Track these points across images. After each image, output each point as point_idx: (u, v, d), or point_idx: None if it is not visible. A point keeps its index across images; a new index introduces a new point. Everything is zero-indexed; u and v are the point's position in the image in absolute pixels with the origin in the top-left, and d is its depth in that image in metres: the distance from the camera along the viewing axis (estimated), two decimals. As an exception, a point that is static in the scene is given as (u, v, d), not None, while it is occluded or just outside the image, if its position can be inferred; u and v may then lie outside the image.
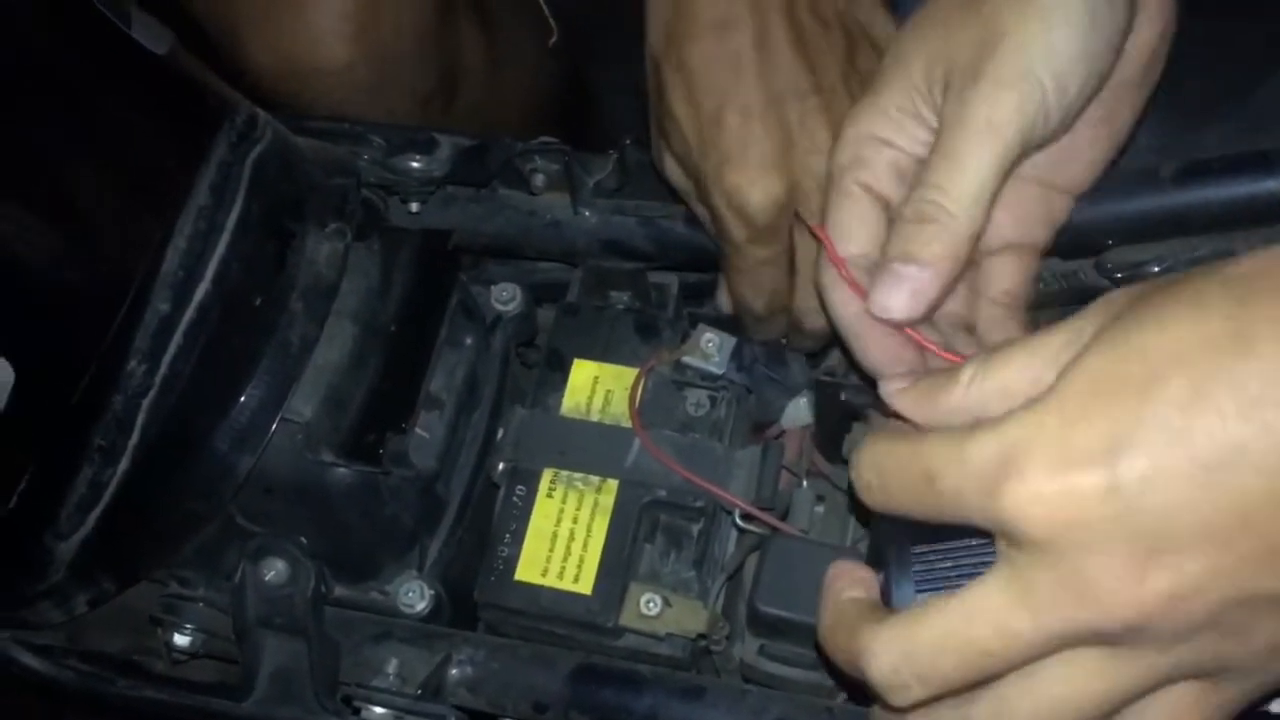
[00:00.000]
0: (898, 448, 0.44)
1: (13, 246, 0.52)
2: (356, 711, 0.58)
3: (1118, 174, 0.58)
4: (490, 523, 0.61)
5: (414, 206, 0.70)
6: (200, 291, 0.56)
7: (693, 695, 0.57)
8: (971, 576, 0.43)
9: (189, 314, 0.56)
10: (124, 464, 0.56)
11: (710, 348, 0.62)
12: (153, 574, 0.62)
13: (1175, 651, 0.41)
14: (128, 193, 0.56)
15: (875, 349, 0.53)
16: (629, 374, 0.62)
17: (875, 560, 0.49)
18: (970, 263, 0.53)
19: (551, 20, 1.09)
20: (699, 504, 0.59)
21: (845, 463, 0.60)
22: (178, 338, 0.55)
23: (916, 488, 0.43)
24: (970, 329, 0.56)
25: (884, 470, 0.45)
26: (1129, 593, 0.39)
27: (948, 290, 0.52)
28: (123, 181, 0.56)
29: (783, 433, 0.63)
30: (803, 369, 0.63)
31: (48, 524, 0.56)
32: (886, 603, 0.46)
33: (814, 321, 0.63)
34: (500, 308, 0.67)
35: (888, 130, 0.54)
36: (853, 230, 0.54)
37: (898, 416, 0.47)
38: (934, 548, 0.45)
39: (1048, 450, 0.40)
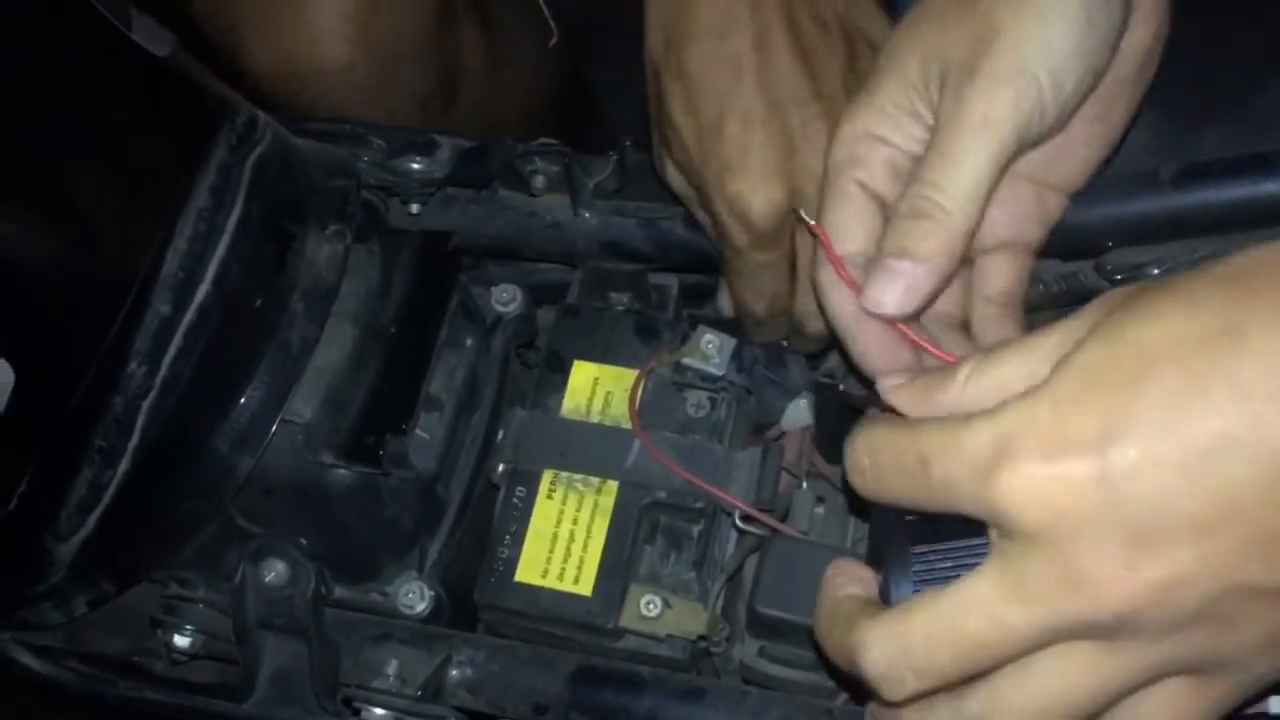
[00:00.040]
0: (893, 433, 0.44)
1: (13, 248, 0.52)
2: (356, 713, 0.58)
3: (1117, 176, 0.58)
4: (490, 524, 0.61)
5: (414, 208, 0.70)
6: (200, 293, 0.56)
7: (693, 697, 0.57)
8: None
9: (189, 316, 0.56)
10: (124, 465, 0.56)
11: (710, 349, 0.62)
12: (153, 575, 0.62)
13: (1167, 643, 0.41)
14: (128, 194, 0.56)
15: (872, 349, 0.53)
16: (629, 375, 0.62)
17: (874, 560, 0.49)
18: (965, 260, 0.53)
19: (551, 21, 1.09)
20: (699, 505, 0.59)
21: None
22: (178, 339, 0.55)
23: (909, 473, 0.43)
24: (965, 328, 0.56)
25: (878, 454, 0.45)
26: (1120, 583, 0.39)
27: (942, 286, 0.52)
28: (123, 183, 0.56)
29: (783, 434, 0.63)
30: (802, 370, 0.63)
31: (48, 525, 0.56)
32: (885, 602, 0.46)
33: (815, 324, 0.63)
34: (500, 309, 0.67)
35: (884, 128, 0.54)
36: (849, 228, 0.54)
37: (895, 413, 0.47)
38: (933, 547, 0.45)
39: (1040, 438, 0.40)
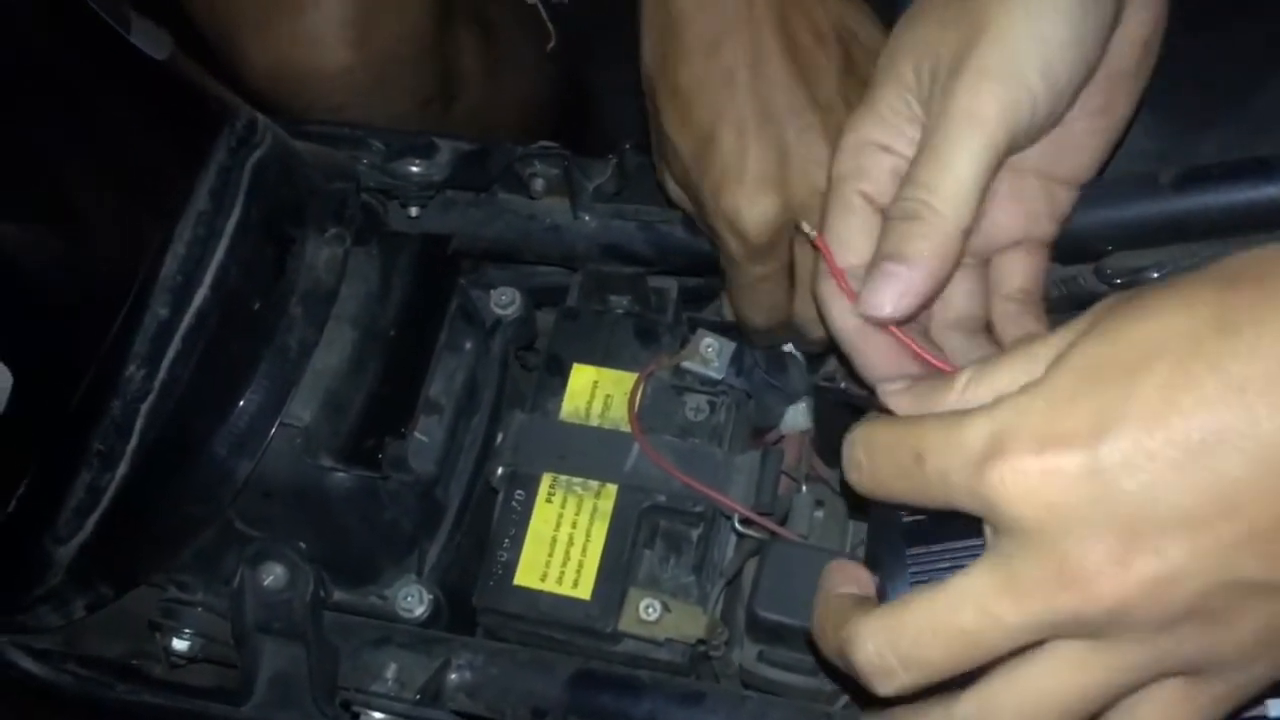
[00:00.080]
0: (890, 429, 0.45)
1: (13, 250, 0.52)
2: (355, 716, 0.58)
3: (1117, 180, 0.58)
4: (489, 527, 0.61)
5: (413, 211, 0.70)
6: (199, 296, 0.56)
7: (692, 700, 0.57)
8: None
9: (188, 319, 0.56)
10: (122, 468, 0.56)
11: (710, 353, 0.62)
12: (151, 578, 0.62)
13: (1160, 641, 0.41)
14: (127, 197, 0.56)
15: (874, 360, 0.53)
16: (628, 379, 0.62)
17: (871, 562, 0.49)
18: (963, 259, 0.53)
19: (550, 25, 1.09)
20: (698, 509, 0.59)
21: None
22: (176, 342, 0.55)
23: (905, 468, 0.43)
24: (988, 329, 0.56)
25: (875, 449, 0.45)
26: (1111, 578, 0.39)
27: (939, 287, 0.52)
28: (122, 186, 0.56)
29: (782, 438, 0.63)
30: (802, 374, 0.63)
31: (46, 528, 0.56)
32: (882, 601, 0.46)
33: (816, 332, 0.63)
34: (500, 312, 0.67)
35: (886, 135, 0.53)
36: (852, 240, 0.53)
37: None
38: (929, 549, 0.45)
39: (1033, 432, 0.40)
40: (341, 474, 0.59)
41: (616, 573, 0.58)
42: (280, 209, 0.60)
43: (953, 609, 0.42)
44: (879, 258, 0.52)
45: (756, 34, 0.59)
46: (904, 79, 0.53)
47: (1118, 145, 0.57)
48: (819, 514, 0.62)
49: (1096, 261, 0.60)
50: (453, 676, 0.59)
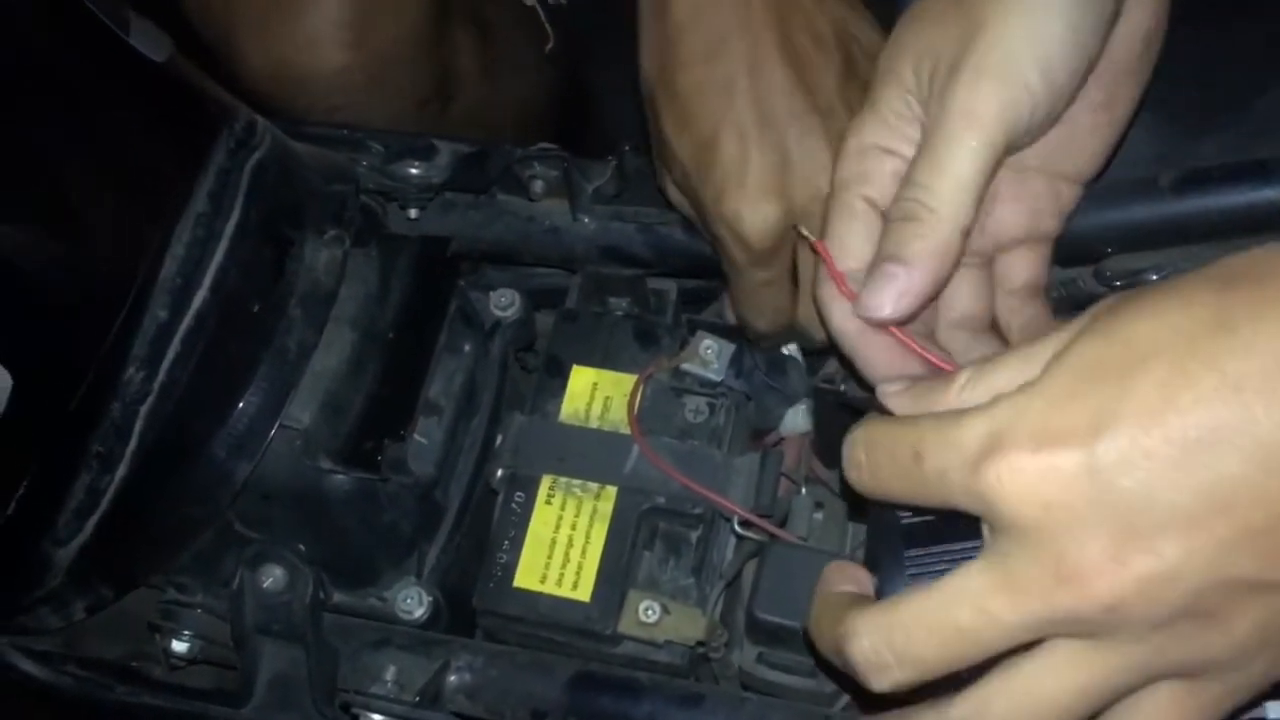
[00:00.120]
0: (889, 428, 0.45)
1: (12, 252, 0.52)
2: (355, 718, 0.58)
3: (1117, 182, 0.58)
4: (489, 529, 0.61)
5: (413, 213, 0.70)
6: (198, 298, 0.56)
7: (691, 703, 0.57)
8: None
9: (187, 321, 0.56)
10: (122, 470, 0.56)
11: (709, 354, 0.62)
12: (151, 580, 0.62)
13: (1154, 641, 0.41)
14: (126, 199, 0.56)
15: (877, 361, 0.53)
16: (628, 380, 0.62)
17: (870, 564, 0.49)
18: (966, 258, 0.53)
19: (548, 27, 1.09)
20: (698, 511, 0.59)
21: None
22: (175, 344, 0.55)
23: (904, 466, 0.43)
24: (994, 328, 0.56)
25: (874, 448, 0.45)
26: (1107, 575, 0.39)
27: (938, 287, 0.52)
28: (121, 188, 0.56)
29: (781, 440, 0.63)
30: (802, 376, 0.63)
31: (46, 530, 0.56)
32: None
33: (819, 335, 0.63)
34: (499, 313, 0.67)
35: (888, 138, 0.53)
36: (854, 245, 0.53)
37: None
38: (928, 550, 0.45)
39: (1030, 430, 0.40)
40: (341, 476, 0.59)
41: (616, 575, 0.58)
42: (279, 211, 0.60)
43: (949, 606, 0.42)
44: (878, 259, 0.52)
45: (755, 39, 0.59)
46: (904, 80, 0.53)
47: (1120, 143, 0.57)
48: (818, 516, 0.62)
49: (1096, 264, 0.60)
50: (452, 678, 0.59)
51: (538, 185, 0.68)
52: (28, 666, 0.63)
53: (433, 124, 1.00)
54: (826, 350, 0.65)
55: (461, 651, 0.60)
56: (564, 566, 0.59)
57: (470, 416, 0.65)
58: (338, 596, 0.62)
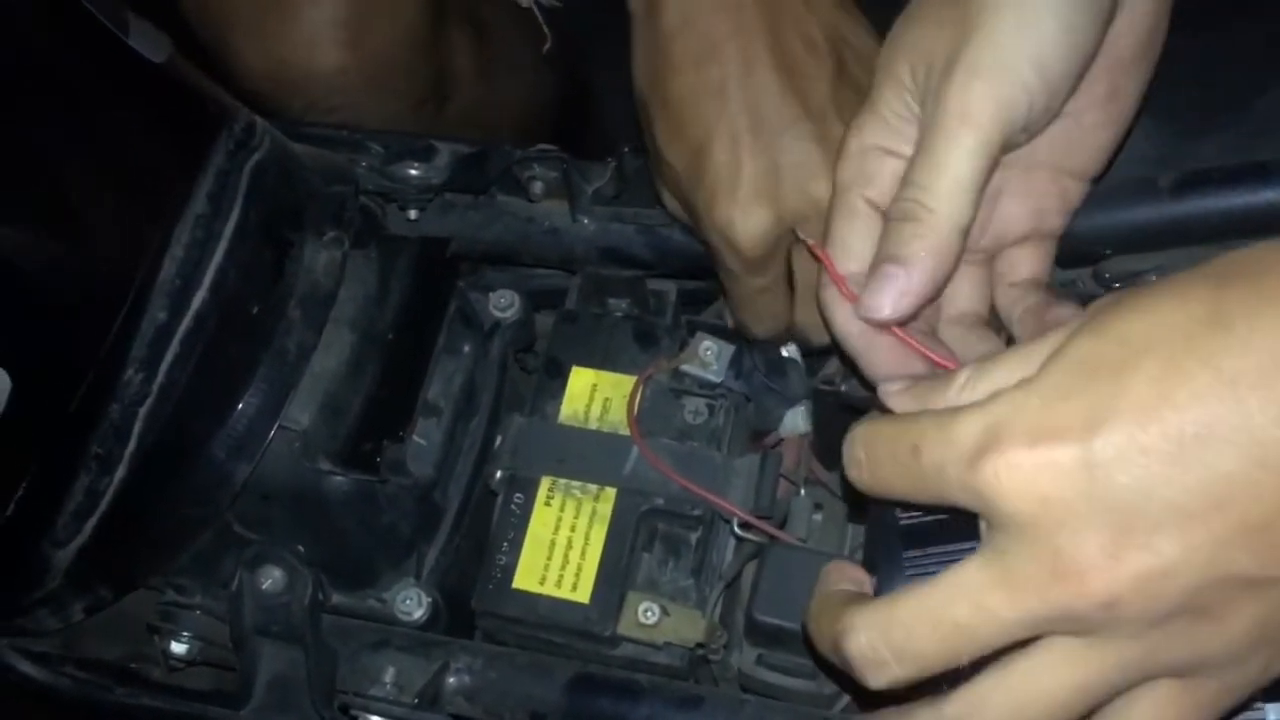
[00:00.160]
0: (888, 425, 0.45)
1: (11, 253, 0.52)
2: (353, 720, 0.58)
3: (1116, 184, 0.58)
4: (488, 530, 0.61)
5: (412, 214, 0.70)
6: (198, 299, 0.56)
7: (690, 704, 0.57)
8: None
9: (186, 322, 0.56)
10: (121, 472, 0.55)
11: (709, 356, 0.62)
12: (150, 582, 0.62)
13: (1151, 638, 0.41)
14: (125, 200, 0.56)
15: (880, 362, 0.53)
16: (627, 382, 0.62)
17: (869, 565, 0.49)
18: (967, 255, 0.53)
19: (545, 28, 1.09)
20: (697, 512, 0.59)
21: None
22: (175, 346, 0.55)
23: (902, 462, 0.43)
24: (996, 326, 0.56)
25: (873, 445, 0.45)
26: (1103, 571, 0.39)
27: (939, 287, 0.52)
28: (120, 189, 0.56)
29: (781, 441, 0.63)
30: (801, 377, 0.63)
31: (45, 532, 0.56)
32: None
33: (819, 337, 0.63)
34: (498, 314, 0.67)
35: (888, 139, 0.53)
36: (856, 247, 0.53)
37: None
38: (926, 551, 0.45)
39: (1026, 426, 0.40)
40: (340, 477, 0.59)
41: (615, 576, 0.58)
42: (279, 212, 0.60)
43: (947, 602, 0.42)
44: (878, 260, 0.52)
45: (747, 44, 0.59)
46: (902, 80, 0.53)
47: (1126, 136, 0.57)
48: (818, 517, 0.62)
49: (1095, 266, 0.60)
50: (451, 680, 0.59)
51: (537, 186, 0.68)
52: (26, 668, 0.63)
53: (429, 124, 1.00)
54: (826, 351, 0.65)
55: (460, 653, 0.60)
56: (563, 568, 0.59)
57: (469, 418, 0.65)
58: (337, 598, 0.62)
